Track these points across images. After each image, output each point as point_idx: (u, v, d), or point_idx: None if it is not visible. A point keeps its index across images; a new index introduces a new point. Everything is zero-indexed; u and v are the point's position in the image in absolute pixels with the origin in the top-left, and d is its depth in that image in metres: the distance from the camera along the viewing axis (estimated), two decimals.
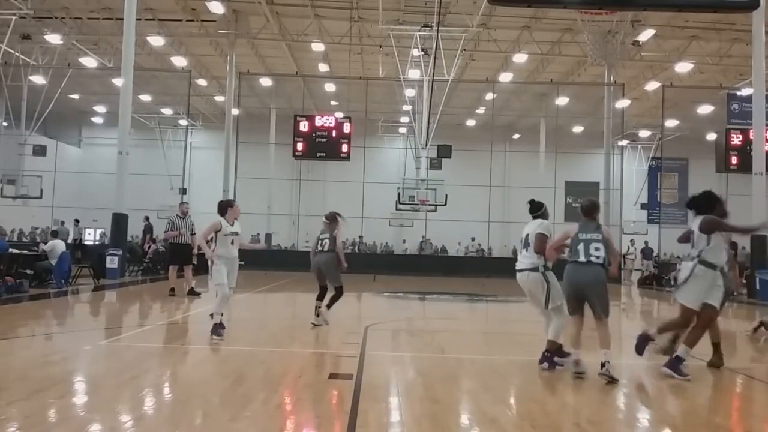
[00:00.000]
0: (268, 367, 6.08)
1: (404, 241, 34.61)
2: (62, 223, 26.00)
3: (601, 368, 5.59)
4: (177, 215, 13.24)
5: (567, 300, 6.11)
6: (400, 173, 30.38)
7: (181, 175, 25.79)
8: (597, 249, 5.79)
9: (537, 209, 6.61)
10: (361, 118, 28.59)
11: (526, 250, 6.35)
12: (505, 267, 6.93)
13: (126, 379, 5.34)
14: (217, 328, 7.64)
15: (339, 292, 8.81)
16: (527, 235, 6.42)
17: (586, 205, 6.18)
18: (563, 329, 6.21)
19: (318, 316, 8.69)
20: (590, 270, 5.78)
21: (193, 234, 13.29)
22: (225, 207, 7.97)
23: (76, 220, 26.81)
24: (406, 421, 4.36)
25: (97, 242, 31.21)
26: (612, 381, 5.50)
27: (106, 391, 4.96)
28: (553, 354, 6.18)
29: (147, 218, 21.36)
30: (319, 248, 8.76)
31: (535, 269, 6.27)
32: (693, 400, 5.31)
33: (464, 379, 5.75)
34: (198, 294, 12.89)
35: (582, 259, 5.81)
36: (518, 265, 6.46)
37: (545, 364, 6.10)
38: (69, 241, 21.54)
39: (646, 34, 23.74)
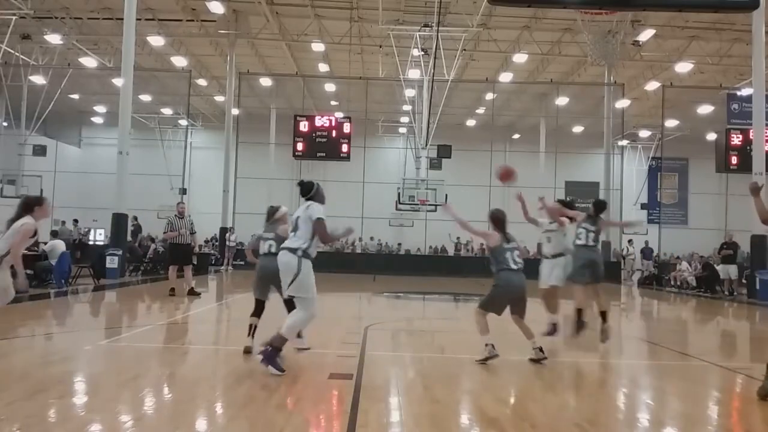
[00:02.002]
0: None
1: (399, 245, 34.63)
2: (63, 223, 25.99)
3: (540, 353, 6.23)
4: (175, 215, 13.23)
5: (500, 302, 6.27)
6: (400, 173, 30.36)
7: (181, 175, 25.80)
8: (519, 256, 6.42)
9: (308, 191, 6.00)
10: (361, 118, 28.59)
11: (295, 234, 5.79)
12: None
13: (126, 379, 5.34)
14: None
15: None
16: (297, 218, 5.87)
17: (500, 218, 6.56)
18: (301, 327, 5.90)
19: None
20: (522, 276, 6.33)
21: (192, 233, 13.28)
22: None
23: (75, 221, 26.80)
24: (406, 421, 4.36)
25: (99, 243, 31.20)
26: (545, 358, 6.20)
27: (106, 391, 4.96)
28: (276, 351, 5.58)
29: (135, 218, 21.30)
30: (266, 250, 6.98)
31: (293, 251, 5.66)
32: (693, 400, 5.31)
33: (464, 379, 5.75)
34: (198, 294, 12.90)
35: (513, 266, 6.29)
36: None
37: (259, 357, 5.61)
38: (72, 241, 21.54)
39: (646, 34, 23.74)
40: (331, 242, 6.08)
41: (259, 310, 6.89)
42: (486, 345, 6.13)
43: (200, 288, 13.77)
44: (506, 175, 7.41)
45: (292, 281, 5.64)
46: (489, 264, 6.47)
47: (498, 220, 6.52)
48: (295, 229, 5.83)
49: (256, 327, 6.69)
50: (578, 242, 7.49)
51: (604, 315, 7.34)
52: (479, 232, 6.70)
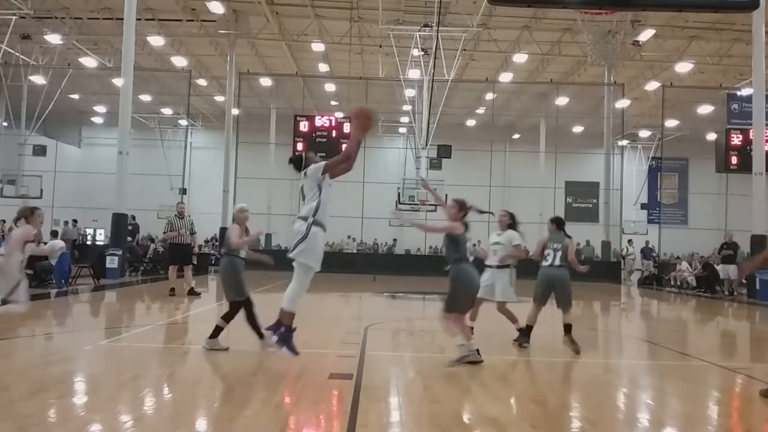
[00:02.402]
0: (268, 367, 6.08)
1: (395, 240, 34.48)
2: (66, 223, 25.94)
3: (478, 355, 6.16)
4: (175, 215, 13.23)
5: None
6: (400, 173, 30.35)
7: (181, 175, 25.79)
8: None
9: (300, 163, 5.93)
10: None
11: (304, 202, 5.75)
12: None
13: (126, 379, 5.34)
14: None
15: (233, 309, 6.76)
16: (302, 187, 5.84)
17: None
18: (299, 297, 5.63)
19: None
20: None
21: (192, 234, 13.27)
22: None
23: (74, 221, 26.78)
24: (406, 421, 4.36)
25: (99, 242, 31.17)
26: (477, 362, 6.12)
27: (106, 391, 4.96)
28: (288, 330, 5.46)
29: (133, 218, 21.17)
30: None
31: (304, 219, 5.58)
32: (693, 400, 5.31)
33: (464, 379, 5.75)
34: (198, 294, 12.90)
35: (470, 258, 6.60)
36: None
37: (274, 339, 5.49)
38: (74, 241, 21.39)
39: (646, 34, 23.74)
40: (351, 150, 5.75)
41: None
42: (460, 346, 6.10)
43: (200, 288, 13.78)
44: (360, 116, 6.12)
45: (297, 243, 5.49)
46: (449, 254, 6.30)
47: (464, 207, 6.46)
48: (303, 198, 5.76)
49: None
50: (544, 263, 7.32)
51: (568, 328, 7.12)
52: (443, 227, 6.58)
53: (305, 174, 5.73)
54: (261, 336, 6.41)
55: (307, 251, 5.51)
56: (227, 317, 6.69)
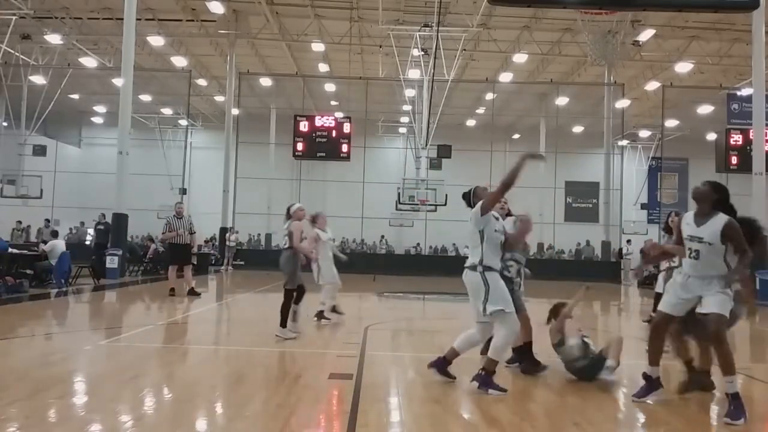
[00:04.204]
0: (268, 367, 6.08)
1: (385, 239, 34.24)
2: (82, 224, 25.47)
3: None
4: (174, 216, 13.20)
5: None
6: (400, 173, 30.34)
7: (181, 175, 25.80)
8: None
9: (468, 201, 5.57)
10: (361, 118, 28.59)
11: (468, 248, 5.55)
12: None
13: (126, 379, 5.34)
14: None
15: (287, 297, 7.68)
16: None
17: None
18: (508, 346, 5.42)
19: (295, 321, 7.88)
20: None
21: (192, 233, 13.26)
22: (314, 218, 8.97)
23: (47, 220, 26.27)
24: (406, 421, 4.36)
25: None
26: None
27: (106, 391, 4.96)
28: (489, 375, 5.20)
29: (103, 216, 20.66)
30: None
31: (473, 268, 5.27)
32: (693, 400, 5.31)
33: (464, 379, 5.75)
34: (198, 294, 12.89)
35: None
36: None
37: (475, 383, 5.21)
38: (86, 242, 20.45)
39: (646, 34, 23.74)
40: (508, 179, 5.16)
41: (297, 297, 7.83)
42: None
43: (200, 288, 13.77)
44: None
45: (485, 299, 5.14)
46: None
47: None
48: (469, 244, 5.47)
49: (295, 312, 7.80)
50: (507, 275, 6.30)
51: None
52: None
53: (470, 218, 5.34)
54: (284, 325, 7.49)
55: (495, 299, 5.13)
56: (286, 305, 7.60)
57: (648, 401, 4.92)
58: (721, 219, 4.68)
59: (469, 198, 5.50)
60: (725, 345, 4.58)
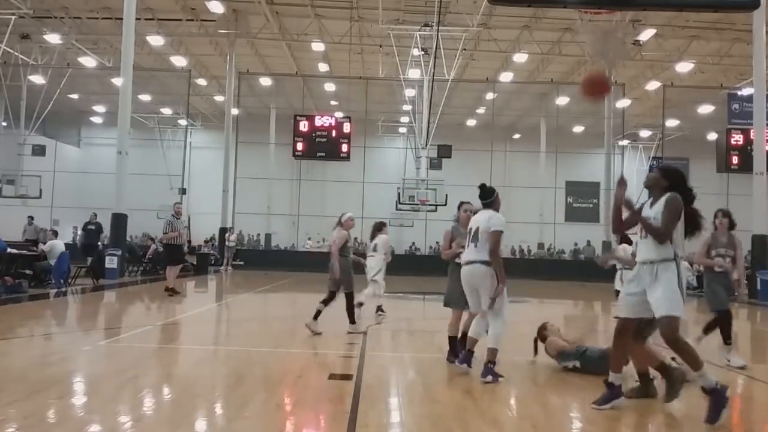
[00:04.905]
0: (268, 367, 6.06)
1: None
2: (30, 220, 24.73)
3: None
4: (172, 215, 13.18)
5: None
6: (400, 173, 30.37)
7: (180, 175, 25.78)
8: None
9: (488, 195, 5.91)
10: (361, 118, 28.59)
11: (476, 246, 5.76)
12: (505, 266, 6.76)
13: (125, 380, 5.33)
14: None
15: (348, 299, 8.47)
16: (477, 228, 5.78)
17: None
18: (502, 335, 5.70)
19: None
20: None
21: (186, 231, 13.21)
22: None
23: (30, 217, 25.80)
24: (406, 421, 4.35)
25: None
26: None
27: (106, 391, 4.94)
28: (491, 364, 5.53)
29: (95, 215, 20.36)
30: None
31: (486, 263, 5.67)
32: (693, 400, 5.29)
33: (464, 379, 5.73)
34: (177, 293, 12.72)
35: None
36: (465, 257, 5.87)
37: (489, 377, 5.47)
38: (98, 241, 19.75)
39: (646, 34, 23.73)
40: (496, 257, 5.70)
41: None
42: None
43: (200, 288, 13.75)
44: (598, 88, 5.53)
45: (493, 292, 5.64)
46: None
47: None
48: (475, 239, 5.76)
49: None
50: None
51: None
52: None
53: (489, 218, 5.75)
54: (353, 321, 8.40)
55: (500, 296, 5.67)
56: (326, 301, 8.13)
57: (607, 408, 4.69)
58: (666, 195, 4.72)
59: (490, 196, 5.87)
60: (681, 343, 4.46)
